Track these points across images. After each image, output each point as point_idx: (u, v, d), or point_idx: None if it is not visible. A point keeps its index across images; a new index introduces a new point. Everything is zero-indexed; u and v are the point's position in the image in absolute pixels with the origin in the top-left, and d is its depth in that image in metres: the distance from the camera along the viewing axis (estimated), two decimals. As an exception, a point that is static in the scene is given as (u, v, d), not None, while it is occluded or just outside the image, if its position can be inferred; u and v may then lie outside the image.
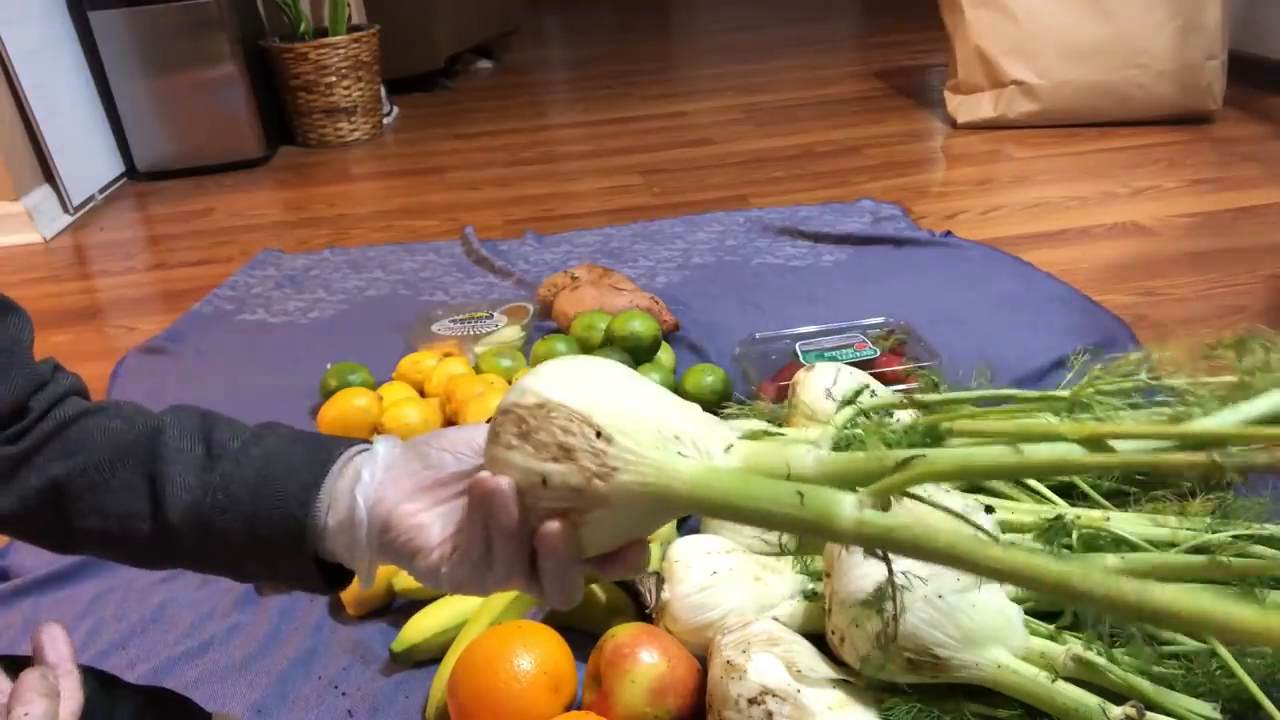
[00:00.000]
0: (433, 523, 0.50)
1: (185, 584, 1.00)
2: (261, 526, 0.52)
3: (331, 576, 0.55)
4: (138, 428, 0.56)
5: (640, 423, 0.47)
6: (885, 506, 0.41)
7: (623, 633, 0.78)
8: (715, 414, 1.18)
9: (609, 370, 0.49)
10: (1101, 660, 0.68)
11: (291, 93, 2.74)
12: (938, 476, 0.41)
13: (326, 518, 0.51)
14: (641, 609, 0.82)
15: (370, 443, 0.55)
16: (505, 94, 3.32)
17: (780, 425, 1.02)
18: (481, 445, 0.50)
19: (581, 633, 0.85)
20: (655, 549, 0.88)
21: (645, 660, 0.75)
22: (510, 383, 1.22)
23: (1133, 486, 0.95)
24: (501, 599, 0.87)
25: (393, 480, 0.51)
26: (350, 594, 0.93)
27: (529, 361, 1.25)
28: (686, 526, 1.00)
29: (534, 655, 0.76)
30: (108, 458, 0.55)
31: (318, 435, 0.56)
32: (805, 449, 0.45)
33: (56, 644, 0.49)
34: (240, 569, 0.55)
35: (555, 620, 0.86)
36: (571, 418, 0.46)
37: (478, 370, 1.26)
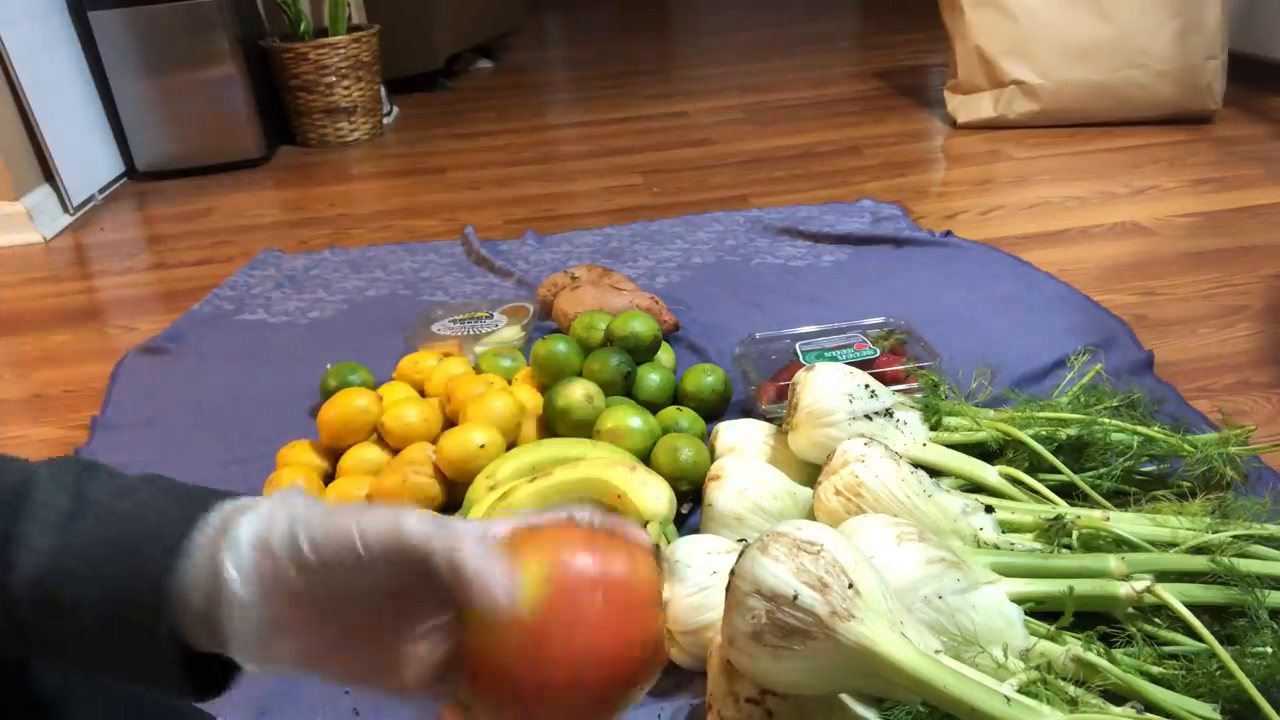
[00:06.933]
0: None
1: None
2: (116, 595, 0.43)
3: (207, 675, 0.46)
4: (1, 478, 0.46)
5: (884, 598, 0.59)
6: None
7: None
8: (716, 416, 1.18)
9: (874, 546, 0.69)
10: (1102, 660, 0.68)
11: (291, 93, 2.74)
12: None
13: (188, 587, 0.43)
14: (641, 609, 0.82)
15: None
16: (505, 94, 3.32)
17: (780, 425, 1.02)
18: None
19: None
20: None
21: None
22: (510, 382, 1.22)
23: (1132, 487, 0.95)
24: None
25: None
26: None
27: (529, 361, 1.24)
28: (687, 526, 1.01)
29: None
30: None
31: (201, 488, 0.47)
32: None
33: None
34: (92, 660, 0.45)
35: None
36: (835, 564, 0.59)
37: (478, 370, 1.26)
